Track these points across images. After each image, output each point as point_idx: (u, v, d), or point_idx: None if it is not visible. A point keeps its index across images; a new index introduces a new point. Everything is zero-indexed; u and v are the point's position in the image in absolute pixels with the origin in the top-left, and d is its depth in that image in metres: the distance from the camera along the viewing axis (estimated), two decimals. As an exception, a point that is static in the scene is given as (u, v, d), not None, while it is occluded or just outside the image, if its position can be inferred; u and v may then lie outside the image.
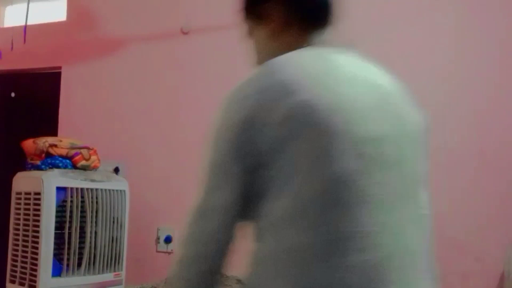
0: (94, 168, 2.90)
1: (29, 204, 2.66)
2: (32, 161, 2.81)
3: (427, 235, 0.97)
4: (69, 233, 2.64)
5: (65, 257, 2.62)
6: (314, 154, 0.82)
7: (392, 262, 0.85)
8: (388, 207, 0.87)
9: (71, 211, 2.64)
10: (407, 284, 0.87)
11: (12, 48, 3.44)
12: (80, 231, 2.69)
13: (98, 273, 2.71)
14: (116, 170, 3.34)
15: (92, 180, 2.76)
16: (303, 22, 1.00)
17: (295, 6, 0.99)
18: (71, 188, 2.65)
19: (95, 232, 2.74)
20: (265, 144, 0.84)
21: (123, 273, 2.85)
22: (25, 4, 3.48)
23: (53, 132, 3.63)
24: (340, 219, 0.82)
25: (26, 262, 2.62)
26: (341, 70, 0.92)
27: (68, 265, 2.63)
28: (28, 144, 2.85)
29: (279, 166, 0.83)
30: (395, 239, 0.87)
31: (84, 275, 2.65)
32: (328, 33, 1.06)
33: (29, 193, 2.66)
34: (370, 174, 0.85)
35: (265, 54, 1.00)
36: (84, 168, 2.83)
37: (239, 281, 2.31)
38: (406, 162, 0.93)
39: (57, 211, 2.60)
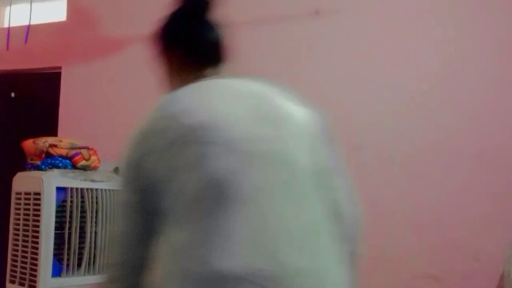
0: (94, 168, 2.90)
1: (29, 204, 2.66)
2: (32, 161, 2.81)
3: (330, 218, 1.04)
4: (69, 233, 2.64)
5: (65, 257, 2.62)
6: (192, 164, 0.95)
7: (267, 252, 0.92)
8: (268, 201, 0.95)
9: (71, 211, 2.63)
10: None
11: (7, 48, 3.44)
12: (80, 231, 2.68)
13: (98, 273, 2.71)
14: (116, 170, 3.34)
15: (92, 180, 2.76)
16: (196, 64, 1.23)
17: (190, 53, 1.25)
18: (71, 188, 2.65)
19: (95, 232, 2.74)
20: (152, 170, 0.99)
21: (123, 273, 2.85)
22: (25, 5, 3.48)
23: (53, 132, 3.63)
24: (217, 214, 0.92)
25: (26, 262, 2.62)
26: (218, 93, 1.08)
27: (68, 265, 2.62)
28: (28, 144, 2.84)
29: (169, 188, 0.97)
30: (275, 225, 0.94)
31: (84, 275, 2.65)
32: (222, 67, 1.27)
33: (29, 193, 2.66)
34: (246, 172, 0.95)
35: (172, 87, 1.23)
36: (84, 168, 2.83)
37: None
38: (293, 157, 1.03)
39: (57, 211, 2.59)
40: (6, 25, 4.13)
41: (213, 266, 0.89)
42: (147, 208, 1.01)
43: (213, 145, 0.96)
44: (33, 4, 3.72)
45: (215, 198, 0.93)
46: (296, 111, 1.16)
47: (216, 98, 1.06)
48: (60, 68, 3.82)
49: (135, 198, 1.03)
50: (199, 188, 0.94)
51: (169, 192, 0.97)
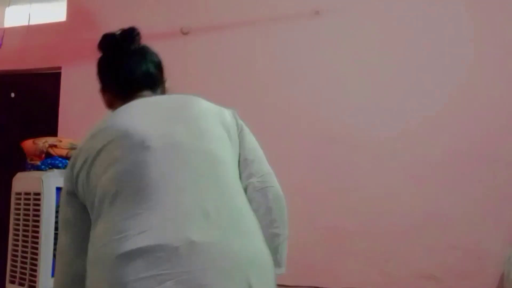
0: (94, 169, 2.89)
1: (29, 204, 2.66)
2: (32, 162, 2.81)
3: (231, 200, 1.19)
4: (69, 234, 2.63)
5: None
6: (108, 162, 1.19)
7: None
8: (171, 186, 1.14)
9: (71, 212, 2.63)
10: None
11: (0, 45, 3.45)
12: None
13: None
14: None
15: (92, 181, 2.75)
16: (127, 97, 1.38)
17: (118, 92, 1.43)
18: (71, 189, 2.65)
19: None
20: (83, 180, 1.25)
21: (123, 273, 2.84)
22: (25, 5, 3.48)
23: (53, 132, 3.63)
24: (133, 203, 1.12)
25: (26, 263, 2.62)
26: (135, 108, 1.30)
27: (68, 265, 2.62)
28: (28, 145, 2.84)
29: (96, 190, 1.20)
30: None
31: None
32: (147, 91, 1.42)
33: (29, 194, 2.66)
34: (152, 162, 1.16)
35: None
36: (84, 169, 2.83)
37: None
38: (199, 149, 1.21)
39: (57, 211, 2.59)
40: (6, 25, 4.14)
41: (125, 248, 1.06)
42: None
43: (127, 147, 1.18)
44: (33, 5, 3.72)
45: (130, 188, 1.13)
46: (198, 108, 1.34)
47: (132, 111, 1.28)
48: (60, 68, 3.82)
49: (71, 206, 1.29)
50: (117, 182, 1.15)
51: (96, 193, 1.18)
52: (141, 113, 1.27)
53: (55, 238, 2.58)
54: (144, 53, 1.46)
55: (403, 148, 2.91)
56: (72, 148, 2.83)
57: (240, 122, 1.46)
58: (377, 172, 2.94)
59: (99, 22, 3.68)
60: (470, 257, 2.72)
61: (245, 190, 1.30)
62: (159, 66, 1.49)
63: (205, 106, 1.37)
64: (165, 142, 1.19)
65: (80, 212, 1.26)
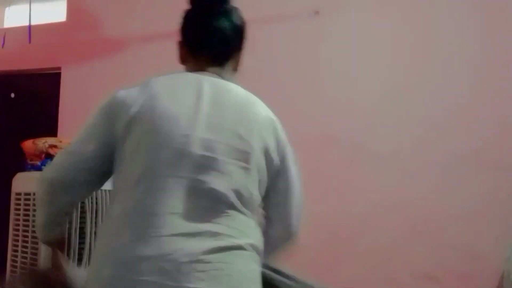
0: (94, 169, 2.89)
1: (28, 205, 2.65)
2: (32, 162, 2.81)
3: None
4: (69, 234, 2.63)
5: (65, 257, 2.62)
6: (140, 146, 1.16)
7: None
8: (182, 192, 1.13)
9: (70, 212, 2.63)
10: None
11: (3, 45, 3.45)
12: (79, 232, 2.68)
13: (98, 273, 2.71)
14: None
15: (92, 181, 2.75)
16: (197, 60, 1.35)
17: (192, 50, 1.37)
18: (71, 189, 2.65)
19: (95, 233, 2.73)
20: (119, 130, 1.20)
21: (123, 273, 2.85)
22: (24, 5, 3.48)
23: (53, 132, 3.64)
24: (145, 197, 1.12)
25: (25, 263, 2.62)
26: (176, 88, 1.24)
27: (68, 265, 2.62)
28: (28, 145, 2.84)
29: (122, 148, 1.18)
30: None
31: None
32: (228, 64, 1.36)
33: (29, 194, 2.66)
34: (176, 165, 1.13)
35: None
36: (84, 169, 2.83)
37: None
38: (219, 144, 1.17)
39: (56, 212, 2.59)
40: (6, 26, 4.14)
41: (135, 252, 1.08)
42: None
43: (159, 137, 1.16)
44: (33, 5, 3.72)
45: (153, 182, 1.14)
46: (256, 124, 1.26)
47: (185, 102, 1.20)
48: (60, 68, 3.82)
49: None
50: (144, 170, 1.15)
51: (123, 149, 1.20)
52: (188, 105, 1.19)
53: (55, 239, 2.58)
54: (231, 16, 1.36)
55: (403, 148, 2.91)
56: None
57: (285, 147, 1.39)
58: (377, 173, 2.94)
59: (99, 22, 3.68)
60: (470, 257, 2.71)
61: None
62: (239, 31, 1.39)
63: (261, 120, 1.29)
64: (203, 151, 1.15)
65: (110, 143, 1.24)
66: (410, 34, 2.98)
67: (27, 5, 3.82)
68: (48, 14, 3.99)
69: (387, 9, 3.04)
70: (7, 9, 4.20)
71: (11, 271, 2.71)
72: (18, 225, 2.70)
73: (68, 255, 2.63)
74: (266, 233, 1.31)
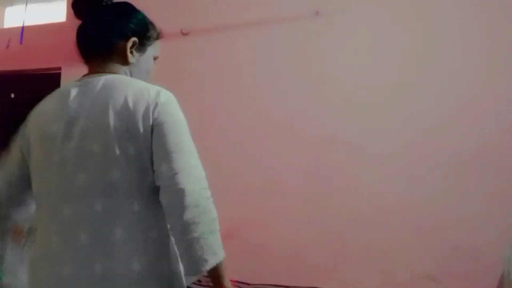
0: (94, 169, 2.89)
1: (28, 205, 2.65)
2: (32, 162, 2.80)
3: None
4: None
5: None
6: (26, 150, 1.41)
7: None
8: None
9: (70, 212, 2.63)
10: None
11: (8, 46, 3.44)
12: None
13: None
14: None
15: (92, 181, 2.75)
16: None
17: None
18: (71, 189, 2.64)
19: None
20: None
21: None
22: (24, 6, 3.48)
23: (53, 133, 3.63)
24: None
25: (25, 263, 2.61)
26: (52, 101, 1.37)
27: (67, 266, 2.62)
28: (28, 145, 2.84)
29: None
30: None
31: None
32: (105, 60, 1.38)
33: (29, 194, 2.65)
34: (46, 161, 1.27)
35: None
36: (84, 169, 2.82)
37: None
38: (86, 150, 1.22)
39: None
40: (6, 26, 4.14)
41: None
42: None
43: (34, 140, 1.42)
44: (33, 5, 3.72)
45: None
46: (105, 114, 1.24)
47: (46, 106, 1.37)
48: (60, 68, 3.82)
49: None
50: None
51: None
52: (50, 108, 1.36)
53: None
54: (98, 12, 1.36)
55: (404, 149, 2.91)
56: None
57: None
58: (377, 173, 2.94)
59: (99, 22, 3.68)
60: (469, 258, 2.71)
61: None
62: (102, 25, 1.36)
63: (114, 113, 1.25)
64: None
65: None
66: (410, 35, 2.98)
67: (28, 5, 3.82)
68: (48, 14, 3.99)
69: (387, 9, 3.04)
70: (7, 9, 4.20)
71: (11, 271, 2.71)
72: (18, 225, 2.69)
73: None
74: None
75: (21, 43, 3.45)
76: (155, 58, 1.57)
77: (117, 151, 1.18)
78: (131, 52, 1.39)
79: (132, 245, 1.16)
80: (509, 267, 2.34)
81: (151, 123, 1.23)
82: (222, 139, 3.25)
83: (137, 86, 1.30)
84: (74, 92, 1.30)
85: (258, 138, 3.13)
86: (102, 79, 1.29)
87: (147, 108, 1.24)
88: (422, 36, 2.96)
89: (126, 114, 1.21)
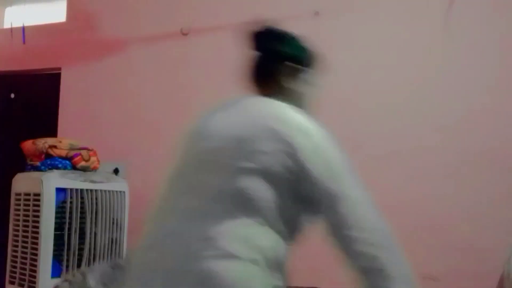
0: (94, 169, 2.90)
1: (28, 205, 2.66)
2: (32, 162, 2.81)
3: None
4: (69, 234, 2.64)
5: (65, 258, 2.62)
6: None
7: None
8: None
9: (70, 212, 2.63)
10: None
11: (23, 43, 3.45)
12: (79, 232, 2.68)
13: (98, 274, 2.70)
14: (116, 171, 3.34)
15: (92, 181, 2.75)
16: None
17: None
18: (71, 189, 2.65)
19: (95, 233, 2.74)
20: None
21: (122, 274, 2.85)
22: (25, 6, 3.48)
23: (53, 133, 3.63)
24: None
25: (25, 263, 2.62)
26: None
27: (67, 266, 2.62)
28: (28, 145, 2.84)
29: None
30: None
31: (83, 276, 2.65)
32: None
33: (29, 194, 2.66)
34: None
35: None
36: (84, 169, 2.83)
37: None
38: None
39: (56, 212, 2.59)
40: (6, 26, 4.14)
41: None
42: None
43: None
44: (33, 5, 3.72)
45: None
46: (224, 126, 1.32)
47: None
48: (59, 69, 3.82)
49: None
50: None
51: None
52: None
53: (55, 239, 2.59)
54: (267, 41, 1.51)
55: (404, 149, 2.91)
56: (72, 148, 2.83)
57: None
58: (377, 173, 2.94)
59: (99, 23, 3.68)
60: (470, 257, 2.71)
61: None
62: (274, 56, 1.51)
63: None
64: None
65: None
66: (410, 34, 2.98)
67: (28, 5, 3.83)
68: (48, 14, 3.99)
69: (387, 9, 3.04)
70: (7, 9, 4.20)
71: (11, 271, 2.71)
72: (18, 225, 2.70)
73: (67, 255, 2.63)
74: None
75: (24, 42, 3.45)
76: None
77: None
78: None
79: None
80: (509, 267, 2.34)
81: None
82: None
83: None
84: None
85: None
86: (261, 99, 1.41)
87: None
88: (424, 35, 2.96)
89: None
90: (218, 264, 1.07)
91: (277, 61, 1.49)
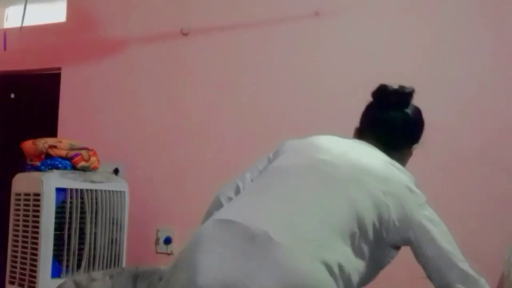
0: (94, 169, 2.90)
1: (28, 205, 2.66)
2: (32, 162, 2.81)
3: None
4: (69, 234, 2.64)
5: (65, 258, 2.62)
6: None
7: None
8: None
9: (70, 212, 2.64)
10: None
11: (5, 48, 3.45)
12: (79, 232, 2.68)
13: (98, 274, 2.70)
14: (116, 171, 3.34)
15: (92, 181, 2.76)
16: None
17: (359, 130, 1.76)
18: (71, 189, 2.65)
19: (95, 233, 2.74)
20: None
21: (122, 274, 2.85)
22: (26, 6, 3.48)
23: (53, 133, 3.63)
24: None
25: (25, 263, 2.62)
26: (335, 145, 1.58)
27: (67, 266, 2.63)
28: (28, 145, 2.85)
29: None
30: None
31: (83, 276, 2.65)
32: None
33: (29, 194, 2.66)
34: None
35: None
36: (84, 169, 2.83)
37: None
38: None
39: (56, 212, 2.60)
40: (6, 26, 4.14)
41: None
42: None
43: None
44: (33, 5, 3.72)
45: None
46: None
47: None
48: (59, 69, 3.82)
49: None
50: None
51: None
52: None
53: (55, 239, 2.59)
54: (404, 110, 1.66)
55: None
56: (72, 148, 2.83)
57: None
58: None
59: (99, 22, 3.68)
60: (469, 258, 2.69)
61: None
62: (410, 125, 1.68)
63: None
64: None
65: None
66: (410, 34, 2.98)
67: (28, 5, 3.82)
68: (48, 14, 3.99)
69: (387, 10, 3.04)
70: (7, 9, 4.20)
71: (11, 271, 2.71)
72: (18, 225, 2.70)
73: (67, 256, 2.63)
74: None
75: (4, 49, 3.46)
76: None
77: None
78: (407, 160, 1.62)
79: None
80: (509, 267, 2.34)
81: None
82: (224, 139, 3.24)
83: None
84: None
85: (257, 137, 3.13)
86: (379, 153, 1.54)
87: None
88: (422, 36, 2.96)
89: None
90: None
91: (409, 143, 1.69)
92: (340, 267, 1.16)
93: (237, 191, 1.47)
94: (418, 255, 1.46)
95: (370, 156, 1.43)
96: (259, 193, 1.31)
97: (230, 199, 1.45)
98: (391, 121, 1.61)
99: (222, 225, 1.19)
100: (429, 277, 1.40)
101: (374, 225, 1.30)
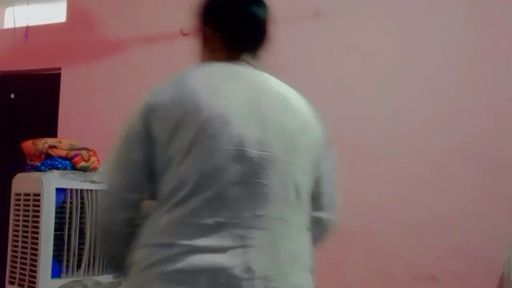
0: (94, 170, 2.90)
1: (28, 205, 2.66)
2: (32, 162, 2.81)
3: None
4: (69, 234, 2.64)
5: (65, 258, 2.62)
6: (189, 153, 1.06)
7: None
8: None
9: (70, 212, 2.63)
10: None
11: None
12: (79, 232, 2.68)
13: (98, 274, 2.71)
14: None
15: (92, 181, 2.75)
16: (231, 48, 1.26)
17: (227, 36, 1.27)
18: (71, 189, 2.65)
19: (95, 234, 2.74)
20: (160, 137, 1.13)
21: (122, 274, 2.85)
22: (24, 6, 3.48)
23: (53, 133, 3.63)
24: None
25: (25, 263, 2.62)
26: (231, 92, 1.13)
27: (67, 266, 2.62)
28: (28, 145, 2.84)
29: (166, 156, 1.09)
30: None
31: (83, 276, 2.65)
32: (254, 56, 1.31)
33: (29, 194, 2.66)
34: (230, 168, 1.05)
35: (200, 59, 1.35)
36: (84, 169, 2.83)
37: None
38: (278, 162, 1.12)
39: (56, 212, 2.60)
40: (6, 26, 4.14)
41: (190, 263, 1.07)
42: None
43: (220, 146, 1.06)
44: (33, 6, 3.73)
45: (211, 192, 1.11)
46: (297, 121, 1.26)
47: (230, 95, 1.12)
48: (59, 69, 3.82)
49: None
50: (198, 181, 1.07)
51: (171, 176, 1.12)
52: (237, 101, 1.12)
53: (55, 239, 2.59)
54: (264, 4, 1.36)
55: (403, 148, 2.91)
56: (72, 149, 2.83)
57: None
58: (376, 173, 2.94)
59: (99, 23, 3.68)
60: (469, 258, 2.71)
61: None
62: (269, 19, 1.37)
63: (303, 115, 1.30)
64: (261, 153, 1.08)
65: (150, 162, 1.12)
66: (409, 34, 2.98)
67: (28, 6, 3.83)
68: (48, 14, 3.99)
69: (387, 10, 3.04)
70: (7, 9, 4.20)
71: (11, 271, 2.71)
72: (18, 225, 2.70)
73: (67, 256, 2.63)
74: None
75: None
76: None
77: None
78: None
79: None
80: (509, 267, 2.34)
81: None
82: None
83: None
84: (251, 80, 1.30)
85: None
86: (270, 77, 1.37)
87: None
88: (421, 36, 2.96)
89: None
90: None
91: (270, 26, 1.38)
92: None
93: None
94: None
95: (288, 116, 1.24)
96: None
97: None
98: (259, 17, 1.35)
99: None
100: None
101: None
